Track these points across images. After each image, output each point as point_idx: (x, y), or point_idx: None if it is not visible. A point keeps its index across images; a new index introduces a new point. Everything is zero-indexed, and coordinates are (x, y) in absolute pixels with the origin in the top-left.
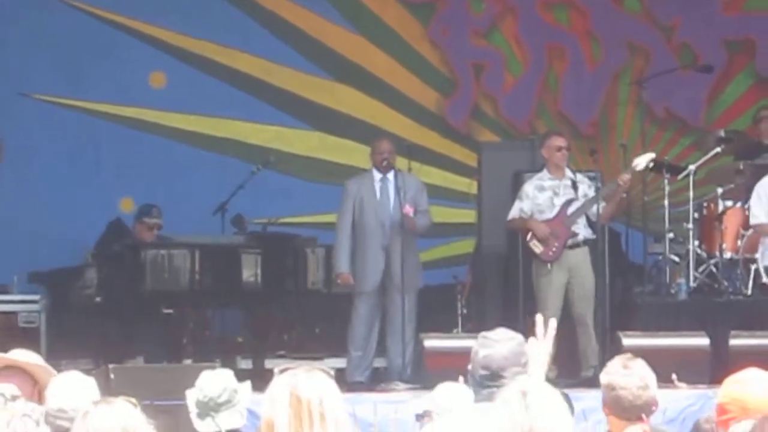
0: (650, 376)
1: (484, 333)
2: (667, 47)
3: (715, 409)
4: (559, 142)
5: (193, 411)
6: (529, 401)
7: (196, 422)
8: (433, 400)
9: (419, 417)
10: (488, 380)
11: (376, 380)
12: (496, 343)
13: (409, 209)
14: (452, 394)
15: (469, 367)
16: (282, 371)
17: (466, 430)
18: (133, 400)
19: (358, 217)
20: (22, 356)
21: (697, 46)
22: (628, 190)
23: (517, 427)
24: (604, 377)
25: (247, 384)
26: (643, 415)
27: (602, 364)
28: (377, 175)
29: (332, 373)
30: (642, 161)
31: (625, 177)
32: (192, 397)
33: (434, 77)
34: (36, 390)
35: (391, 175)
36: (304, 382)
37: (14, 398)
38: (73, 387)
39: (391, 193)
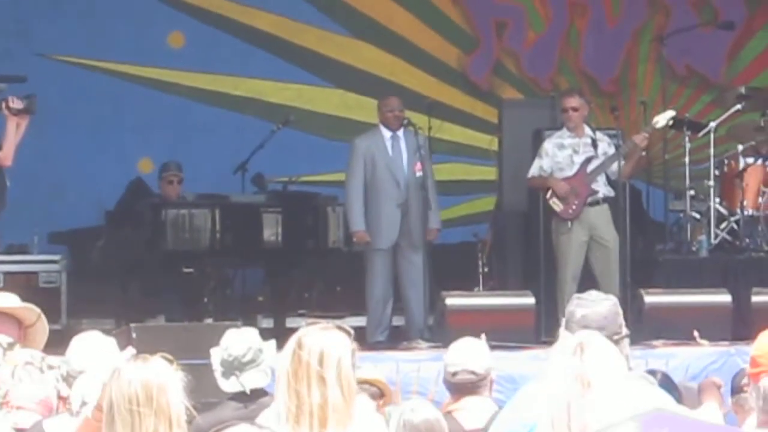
0: None
1: (577, 295)
2: (687, 3)
3: (749, 364)
4: (567, 102)
5: (217, 370)
6: (585, 351)
7: (221, 381)
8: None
9: None
10: None
11: (396, 339)
12: (593, 303)
13: (419, 167)
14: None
15: (562, 329)
16: (309, 325)
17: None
18: (170, 357)
19: (370, 176)
20: (3, 301)
21: (717, 1)
22: (648, 148)
23: (570, 372)
24: None
25: (272, 343)
26: None
27: (624, 321)
28: (387, 133)
29: (351, 331)
30: (662, 119)
31: (642, 136)
32: (216, 356)
33: (456, 34)
34: (22, 331)
35: (400, 132)
36: (309, 337)
37: (11, 346)
38: (93, 347)
39: (403, 150)
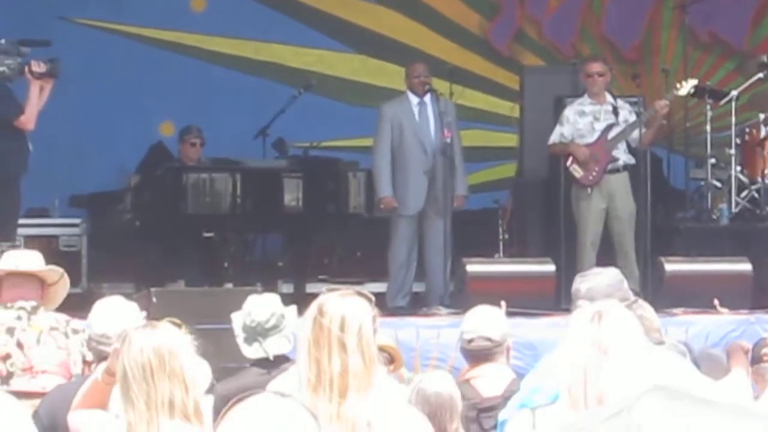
0: None
1: (580, 273)
2: None
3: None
4: (591, 68)
5: (240, 336)
6: (603, 319)
7: (243, 347)
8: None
9: None
10: None
11: (416, 305)
12: (596, 275)
13: (448, 134)
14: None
15: (573, 305)
16: (328, 291)
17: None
18: (177, 320)
19: (397, 142)
20: (27, 262)
21: None
22: (669, 115)
23: (587, 340)
24: None
25: (293, 308)
26: None
27: (644, 289)
28: (414, 99)
29: (372, 298)
30: (683, 87)
31: (662, 103)
32: (238, 321)
33: (477, 0)
34: (45, 290)
35: (428, 99)
36: (330, 304)
37: (35, 309)
38: (116, 312)
39: (431, 117)
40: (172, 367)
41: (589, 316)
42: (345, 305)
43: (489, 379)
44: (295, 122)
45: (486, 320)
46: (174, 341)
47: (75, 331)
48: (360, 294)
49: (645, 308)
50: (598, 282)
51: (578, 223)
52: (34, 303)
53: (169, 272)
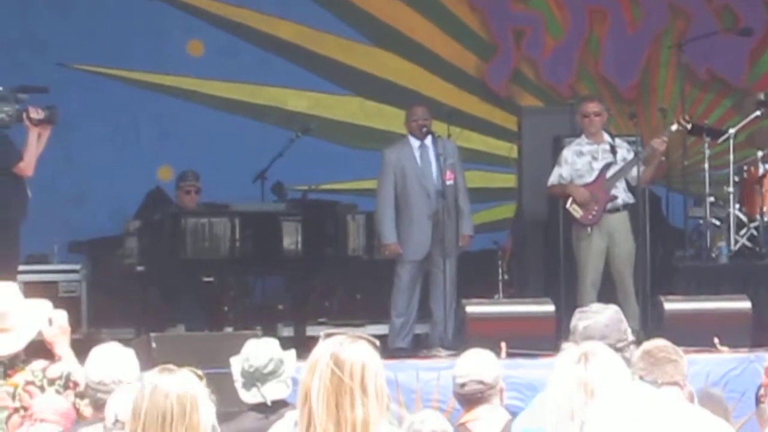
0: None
1: (579, 308)
2: (708, 9)
3: (764, 373)
4: (588, 108)
5: (238, 381)
6: (590, 360)
7: (242, 392)
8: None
9: None
10: None
11: (418, 346)
12: (594, 314)
13: (450, 176)
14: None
15: (564, 342)
16: (327, 336)
17: None
18: (200, 372)
19: (400, 186)
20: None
21: (738, 7)
22: (666, 153)
23: (574, 382)
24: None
25: (292, 352)
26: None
27: (643, 328)
28: (415, 143)
29: (377, 343)
30: (677, 123)
31: (660, 140)
32: (237, 366)
33: (474, 42)
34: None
35: (428, 141)
36: (346, 351)
37: (12, 362)
38: (113, 359)
39: (432, 160)
40: (192, 418)
41: (576, 357)
42: (362, 352)
43: (485, 422)
44: (293, 165)
45: (477, 363)
46: (198, 391)
47: (51, 381)
48: (364, 338)
49: (679, 353)
50: (595, 321)
51: (578, 262)
52: (11, 354)
53: (169, 317)
